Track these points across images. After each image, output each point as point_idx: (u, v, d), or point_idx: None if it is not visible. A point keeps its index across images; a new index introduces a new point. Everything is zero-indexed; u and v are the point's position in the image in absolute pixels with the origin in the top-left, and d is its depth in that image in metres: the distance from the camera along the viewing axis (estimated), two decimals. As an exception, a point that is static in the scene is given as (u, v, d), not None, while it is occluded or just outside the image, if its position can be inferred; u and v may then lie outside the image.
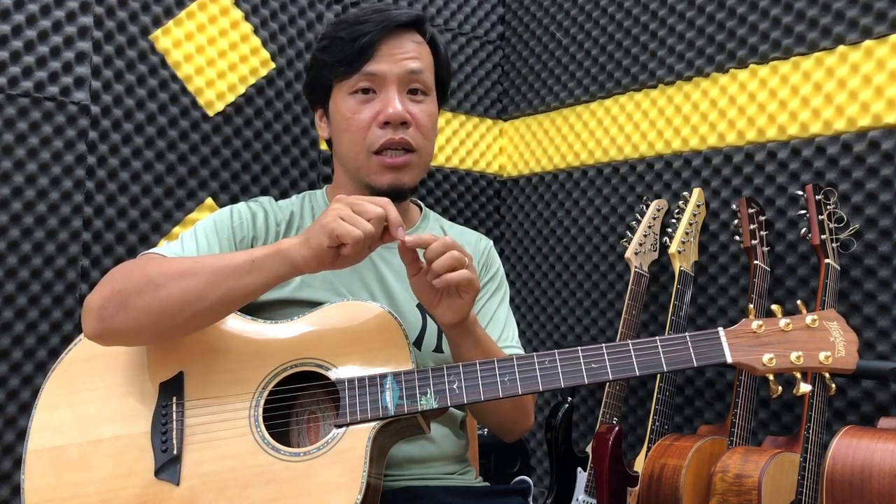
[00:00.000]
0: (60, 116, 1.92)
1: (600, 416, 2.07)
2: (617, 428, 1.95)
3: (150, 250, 1.25)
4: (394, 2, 1.31)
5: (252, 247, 1.29)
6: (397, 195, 1.31)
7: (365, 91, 1.28)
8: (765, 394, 1.93)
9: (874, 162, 1.80)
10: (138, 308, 1.11)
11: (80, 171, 1.95)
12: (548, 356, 1.12)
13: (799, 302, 1.18)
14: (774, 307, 1.15)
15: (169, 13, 2.07)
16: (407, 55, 1.28)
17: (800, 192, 1.84)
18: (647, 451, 1.90)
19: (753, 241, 1.89)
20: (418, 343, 1.31)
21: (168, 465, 1.11)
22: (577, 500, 2.07)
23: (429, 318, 1.33)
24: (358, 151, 1.29)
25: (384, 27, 1.27)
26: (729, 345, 1.10)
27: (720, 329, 1.12)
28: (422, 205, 1.49)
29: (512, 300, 2.66)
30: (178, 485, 1.10)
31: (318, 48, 1.34)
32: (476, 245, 1.47)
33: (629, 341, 1.12)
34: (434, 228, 1.45)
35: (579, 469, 2.10)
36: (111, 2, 1.99)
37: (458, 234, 1.46)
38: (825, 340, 1.10)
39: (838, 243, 1.80)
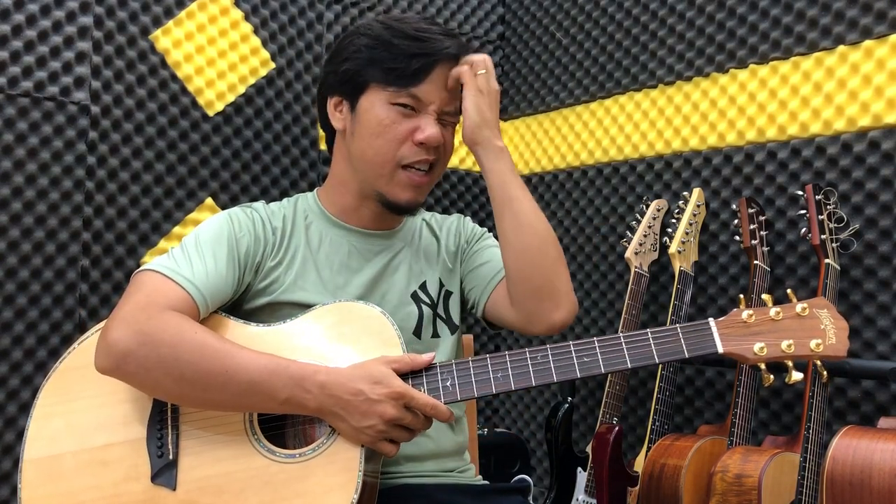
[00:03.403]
0: (60, 116, 1.93)
1: (600, 416, 2.07)
2: (617, 428, 1.95)
3: (158, 266, 1.18)
4: (440, 25, 1.33)
5: (254, 257, 1.27)
6: (408, 211, 1.35)
7: (404, 106, 1.28)
8: (765, 393, 1.93)
9: (874, 162, 1.80)
10: (156, 379, 1.12)
11: (80, 171, 1.95)
12: (539, 351, 1.13)
13: (789, 290, 1.17)
14: (765, 296, 1.15)
15: (169, 13, 2.07)
16: (450, 87, 1.30)
17: (800, 192, 1.84)
18: (647, 451, 1.89)
19: (753, 241, 1.88)
20: (417, 332, 1.32)
21: (164, 470, 1.11)
22: (577, 500, 2.07)
23: (424, 307, 1.34)
24: (387, 161, 1.28)
25: (444, 55, 1.28)
26: (720, 335, 1.11)
27: (710, 320, 1.12)
28: None
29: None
30: (174, 490, 1.11)
31: (366, 44, 1.29)
32: (459, 225, 1.48)
33: (621, 334, 1.12)
34: (416, 220, 1.46)
35: (579, 469, 2.10)
36: (111, 2, 1.99)
37: (438, 222, 1.48)
38: (816, 328, 1.10)
39: (838, 243, 1.79)
